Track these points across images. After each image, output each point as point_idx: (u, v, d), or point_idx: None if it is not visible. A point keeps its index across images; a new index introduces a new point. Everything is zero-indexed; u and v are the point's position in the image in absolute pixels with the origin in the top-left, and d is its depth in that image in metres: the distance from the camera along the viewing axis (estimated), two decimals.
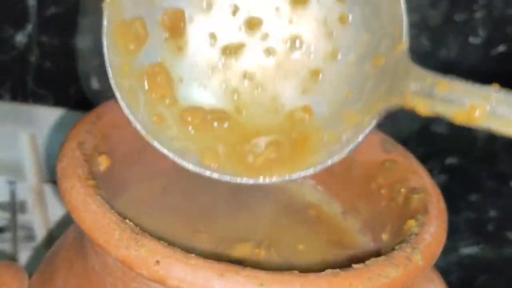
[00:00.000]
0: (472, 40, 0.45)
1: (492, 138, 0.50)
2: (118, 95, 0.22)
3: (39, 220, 0.44)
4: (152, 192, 0.26)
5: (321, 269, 0.18)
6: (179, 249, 0.18)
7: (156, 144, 0.22)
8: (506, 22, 0.44)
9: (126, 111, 0.22)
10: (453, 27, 0.44)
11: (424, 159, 0.52)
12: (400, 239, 0.21)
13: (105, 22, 0.21)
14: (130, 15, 0.22)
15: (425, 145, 0.49)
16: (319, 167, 0.23)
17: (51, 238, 0.44)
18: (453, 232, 0.57)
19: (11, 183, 0.45)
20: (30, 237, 0.45)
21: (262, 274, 0.17)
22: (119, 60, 0.22)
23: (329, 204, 0.28)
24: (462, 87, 0.21)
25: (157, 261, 0.17)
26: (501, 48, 0.45)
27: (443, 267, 0.58)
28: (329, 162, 0.23)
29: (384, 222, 0.25)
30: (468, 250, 0.54)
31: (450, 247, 0.54)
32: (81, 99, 0.46)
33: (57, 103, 0.46)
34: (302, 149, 0.23)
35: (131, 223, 0.19)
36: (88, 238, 0.19)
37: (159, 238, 0.18)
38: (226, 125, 0.24)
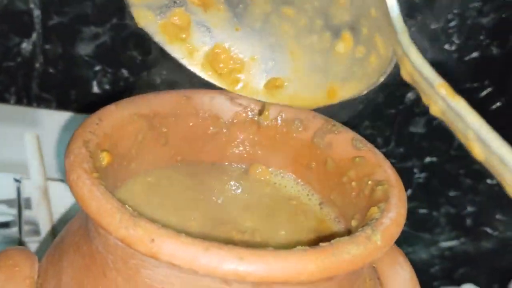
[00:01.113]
0: (447, 47, 0.48)
1: None
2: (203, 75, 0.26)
3: (44, 215, 0.47)
4: (147, 185, 0.29)
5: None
6: (171, 229, 0.21)
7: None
8: (479, 30, 0.47)
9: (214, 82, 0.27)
10: (429, 34, 0.47)
11: (404, 159, 0.55)
12: (364, 224, 0.24)
13: (152, 34, 0.25)
14: (162, 13, 0.25)
15: (405, 145, 0.52)
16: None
17: (55, 232, 0.47)
18: (434, 227, 0.60)
19: (17, 181, 0.48)
20: (35, 231, 0.47)
21: (241, 249, 0.20)
22: (182, 48, 0.26)
23: (308, 196, 0.31)
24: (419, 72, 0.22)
25: (152, 239, 0.20)
26: (474, 54, 0.48)
27: (425, 260, 0.61)
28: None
29: (354, 210, 0.28)
30: (448, 243, 0.57)
31: (431, 240, 0.57)
32: (82, 103, 0.49)
33: (59, 106, 0.49)
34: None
35: (130, 208, 0.22)
36: (93, 222, 0.22)
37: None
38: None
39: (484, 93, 0.50)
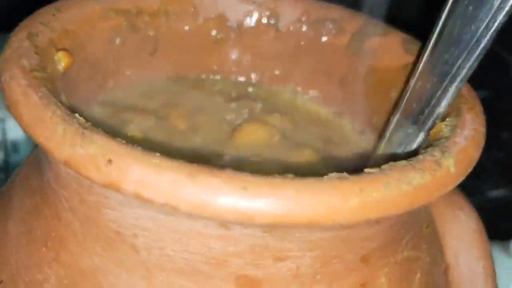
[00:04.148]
0: None
1: None
2: None
3: None
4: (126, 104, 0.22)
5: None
6: (138, 146, 0.14)
7: None
8: None
9: None
10: None
11: None
12: (427, 144, 0.17)
13: None
14: None
15: None
16: None
17: None
18: (480, 173, 0.52)
19: (1, 120, 0.41)
20: None
21: (245, 176, 0.13)
22: None
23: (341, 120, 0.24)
24: None
25: (109, 160, 0.13)
26: None
27: None
28: None
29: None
30: (495, 192, 0.50)
31: (476, 189, 0.50)
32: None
33: None
34: None
35: (81, 118, 0.15)
36: (32, 138, 0.15)
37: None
38: None
39: None
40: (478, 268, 0.23)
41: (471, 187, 0.53)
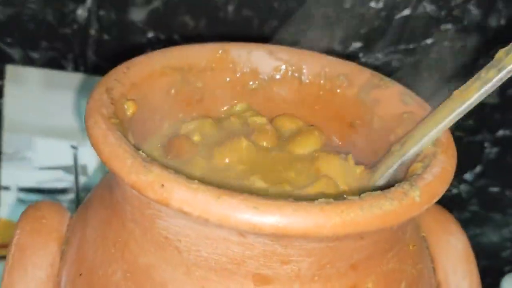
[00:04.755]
0: None
1: None
2: None
3: None
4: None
5: None
6: (183, 175, 0.19)
7: None
8: None
9: None
10: None
11: (474, 132, 0.51)
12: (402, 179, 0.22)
13: None
14: None
15: (476, 117, 0.48)
16: None
17: None
18: (507, 207, 0.55)
19: (74, 147, 0.48)
20: None
21: (256, 198, 0.19)
22: None
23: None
24: None
25: (162, 185, 0.19)
26: None
27: (496, 243, 0.57)
28: None
29: (402, 171, 0.25)
30: None
31: (503, 222, 0.53)
32: None
33: None
34: None
35: (143, 153, 0.20)
36: (108, 168, 0.21)
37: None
38: None
39: None
40: (464, 285, 0.27)
41: (498, 221, 0.55)
